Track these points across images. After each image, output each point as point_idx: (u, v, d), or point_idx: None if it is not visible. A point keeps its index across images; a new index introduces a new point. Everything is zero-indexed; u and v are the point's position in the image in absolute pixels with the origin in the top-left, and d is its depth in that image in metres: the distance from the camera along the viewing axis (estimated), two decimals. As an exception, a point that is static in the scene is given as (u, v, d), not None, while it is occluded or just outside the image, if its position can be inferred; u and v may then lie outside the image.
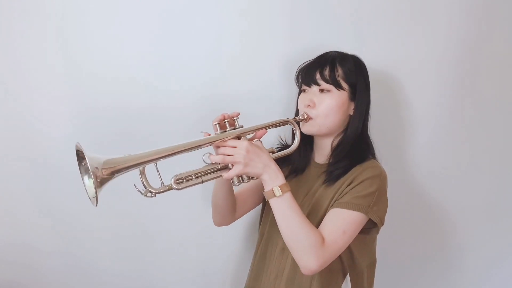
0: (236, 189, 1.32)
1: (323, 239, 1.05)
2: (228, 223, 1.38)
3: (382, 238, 1.28)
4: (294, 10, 1.47)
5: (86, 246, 1.56)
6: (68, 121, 1.44)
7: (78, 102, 1.43)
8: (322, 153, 1.28)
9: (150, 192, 1.02)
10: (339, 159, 1.21)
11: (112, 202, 1.42)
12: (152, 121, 1.47)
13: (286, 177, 1.30)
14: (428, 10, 1.52)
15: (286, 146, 1.39)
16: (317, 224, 1.14)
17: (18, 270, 1.54)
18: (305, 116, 1.21)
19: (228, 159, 1.05)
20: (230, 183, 1.21)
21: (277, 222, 1.08)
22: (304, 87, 1.26)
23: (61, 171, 1.45)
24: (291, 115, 1.35)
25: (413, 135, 1.62)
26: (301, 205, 1.22)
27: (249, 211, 1.42)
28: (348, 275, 1.21)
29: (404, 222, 1.66)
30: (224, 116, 1.10)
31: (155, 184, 1.04)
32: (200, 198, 1.54)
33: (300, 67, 1.30)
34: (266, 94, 1.50)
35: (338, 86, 1.19)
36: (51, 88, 1.41)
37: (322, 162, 1.28)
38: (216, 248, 1.61)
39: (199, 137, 1.08)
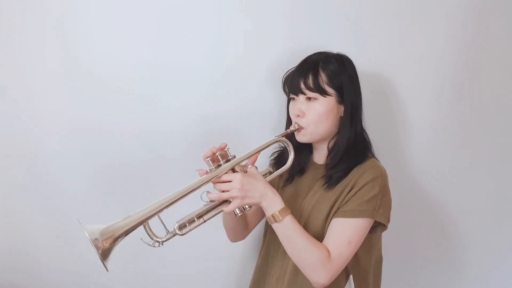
0: None
1: (328, 253, 1.07)
2: (242, 239, 1.41)
3: (383, 238, 1.29)
4: (293, 12, 1.44)
5: (86, 250, 1.54)
6: (68, 125, 1.45)
7: (77, 105, 1.44)
8: (320, 154, 1.28)
9: (157, 242, 1.06)
10: (336, 161, 1.20)
11: (113, 205, 1.47)
12: (153, 123, 1.48)
13: (286, 180, 1.33)
14: (427, 11, 1.48)
15: (286, 149, 1.38)
16: (318, 227, 1.16)
17: (19, 275, 1.58)
18: (296, 126, 1.20)
19: (225, 195, 1.06)
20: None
21: (282, 244, 1.10)
22: (291, 95, 1.24)
23: (61, 176, 1.47)
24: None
25: (412, 135, 1.60)
26: (302, 207, 1.24)
27: (260, 221, 1.44)
28: (351, 276, 1.22)
29: (404, 222, 1.65)
30: (213, 151, 1.10)
31: (160, 231, 1.07)
32: (203, 203, 1.56)
33: (285, 76, 1.27)
34: (263, 99, 1.49)
35: (323, 93, 1.16)
36: (50, 91, 1.42)
37: (322, 163, 1.27)
38: (220, 251, 1.63)
39: (194, 175, 1.08)
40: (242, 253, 1.66)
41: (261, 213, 1.40)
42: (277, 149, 1.42)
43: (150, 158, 1.49)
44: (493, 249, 1.81)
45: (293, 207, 1.11)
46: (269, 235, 1.34)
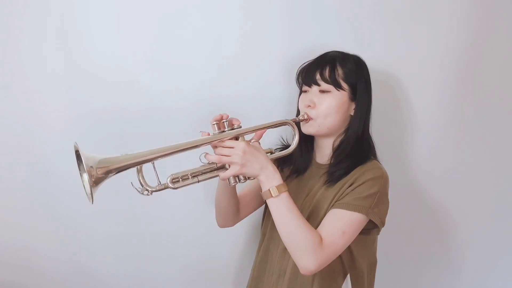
0: (239, 191, 1.32)
1: (321, 240, 1.05)
2: (231, 225, 1.39)
3: (383, 238, 1.27)
4: (294, 10, 1.46)
5: (87, 247, 1.57)
6: (68, 123, 1.45)
7: (77, 103, 1.45)
8: (323, 153, 1.28)
9: (147, 190, 1.04)
10: (340, 159, 1.21)
11: (113, 203, 1.45)
12: (152, 123, 1.48)
13: (287, 177, 1.33)
14: (429, 10, 1.51)
15: (287, 147, 1.38)
16: (318, 225, 1.14)
17: (20, 272, 1.56)
18: (305, 116, 1.20)
19: (225, 159, 1.05)
20: (233, 186, 1.21)
21: (274, 222, 1.08)
22: (304, 87, 1.25)
23: (62, 174, 1.46)
24: (291, 116, 1.34)
25: (413, 135, 1.61)
26: (302, 206, 1.23)
27: (252, 212, 1.42)
28: (348, 276, 1.21)
29: (405, 222, 1.65)
30: (222, 116, 1.10)
31: (152, 182, 1.05)
32: (202, 198, 1.54)
33: (301, 67, 1.29)
34: (266, 94, 1.50)
35: (338, 86, 1.18)
36: (51, 90, 1.43)
37: (324, 163, 1.27)
38: (218, 248, 1.62)
39: (197, 137, 1.08)
40: (241, 249, 1.64)
41: (256, 202, 1.40)
42: (279, 147, 1.42)
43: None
44: (494, 250, 1.80)
45: None
46: (270, 231, 1.32)
